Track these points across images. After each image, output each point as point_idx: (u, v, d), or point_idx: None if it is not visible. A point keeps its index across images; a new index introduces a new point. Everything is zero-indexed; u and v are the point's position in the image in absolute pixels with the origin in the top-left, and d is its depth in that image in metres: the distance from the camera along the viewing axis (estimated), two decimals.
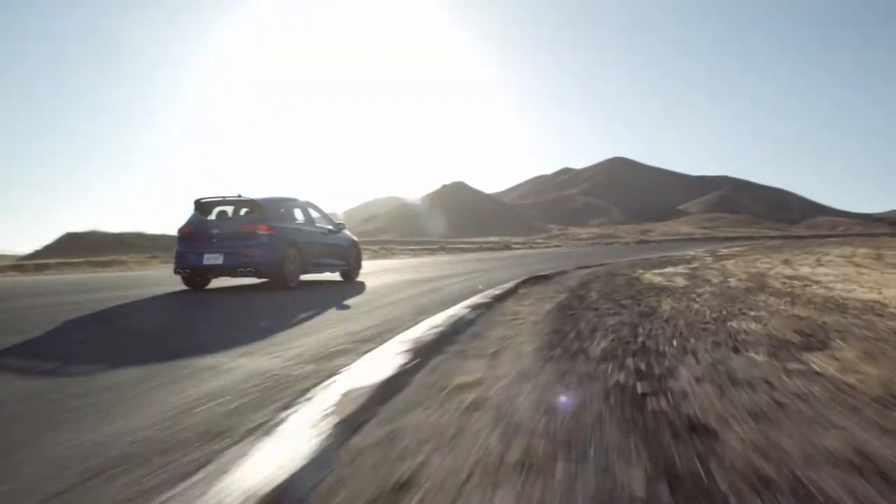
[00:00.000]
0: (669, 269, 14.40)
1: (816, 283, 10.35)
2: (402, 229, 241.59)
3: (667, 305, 6.43)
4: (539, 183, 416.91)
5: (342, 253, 13.03)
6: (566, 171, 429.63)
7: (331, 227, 12.93)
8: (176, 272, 10.84)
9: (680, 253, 27.76)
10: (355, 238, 13.87)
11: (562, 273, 13.03)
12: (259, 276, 10.69)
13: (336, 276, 13.29)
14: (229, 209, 11.35)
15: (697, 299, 7.05)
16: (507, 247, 61.58)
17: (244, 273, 10.49)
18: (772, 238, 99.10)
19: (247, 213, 11.20)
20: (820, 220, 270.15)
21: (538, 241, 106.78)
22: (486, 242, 77.42)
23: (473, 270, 16.27)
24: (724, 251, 29.97)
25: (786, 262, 19.38)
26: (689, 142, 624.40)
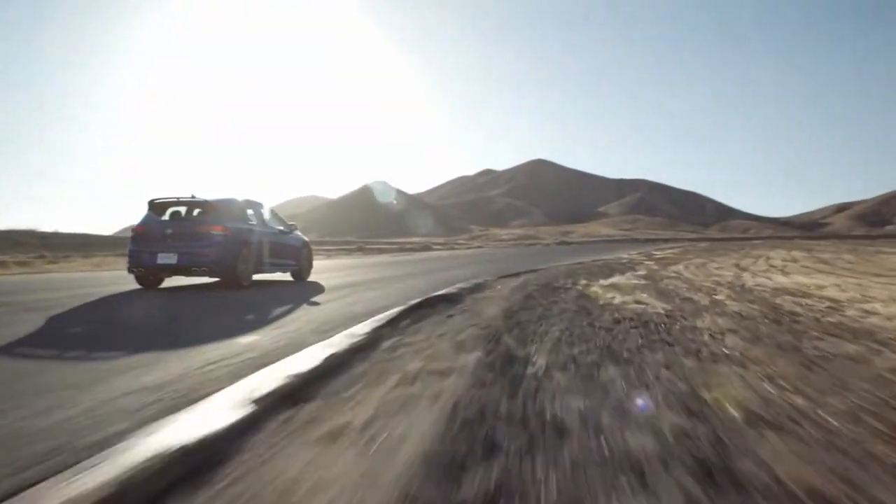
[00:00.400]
0: (619, 279, 11.16)
1: (833, 301, 7.38)
2: (321, 229, 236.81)
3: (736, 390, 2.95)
4: (461, 184, 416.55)
5: (294, 253, 13.32)
6: (488, 172, 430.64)
7: (283, 227, 13.24)
8: (129, 271, 11.01)
9: (613, 256, 24.68)
10: (307, 239, 14.19)
11: (479, 289, 9.28)
12: (212, 276, 10.91)
13: (287, 276, 13.55)
14: (183, 210, 11.54)
15: (734, 355, 3.77)
16: (426, 248, 58.78)
17: (198, 272, 10.72)
18: (694, 240, 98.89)
19: (200, 213, 11.39)
20: (732, 222, 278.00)
21: (459, 241, 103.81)
22: (407, 243, 75.64)
23: (381, 279, 13.26)
24: (658, 254, 27.06)
25: (739, 267, 16.61)
26: (609, 145, 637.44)
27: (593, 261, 19.80)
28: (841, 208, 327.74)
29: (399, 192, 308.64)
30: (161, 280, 11.46)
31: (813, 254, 27.63)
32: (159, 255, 10.55)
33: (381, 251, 45.18)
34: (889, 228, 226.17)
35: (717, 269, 15.79)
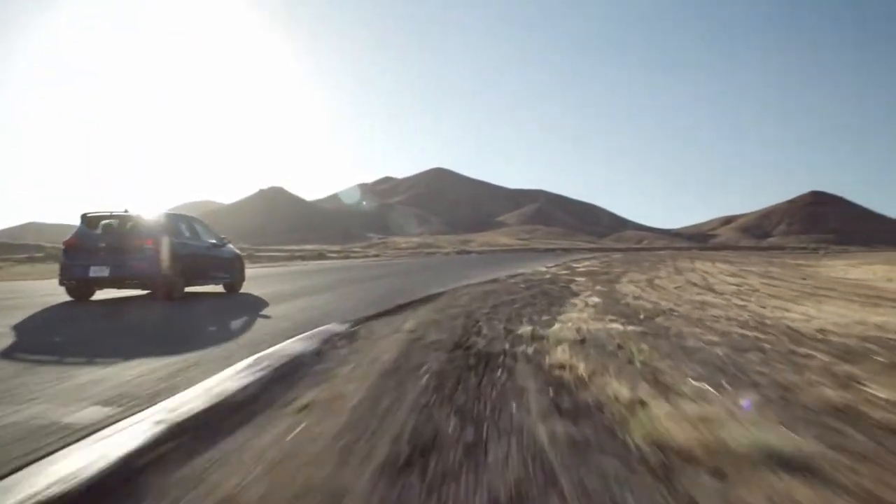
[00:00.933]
0: (580, 319, 7.00)
1: None
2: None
3: None
4: (361, 191, 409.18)
5: (226, 266, 13.57)
6: (387, 179, 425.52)
7: (215, 241, 13.50)
8: (61, 283, 11.17)
9: (528, 269, 20.67)
10: (239, 252, 14.68)
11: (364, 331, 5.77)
12: (144, 288, 11.36)
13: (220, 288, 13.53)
14: (116, 223, 11.57)
15: None
16: (321, 255, 54.16)
17: (130, 285, 11.19)
18: (600, 250, 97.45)
19: (133, 227, 11.53)
20: (627, 233, 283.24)
21: (356, 249, 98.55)
22: (301, 251, 69.95)
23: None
24: (579, 267, 23.33)
25: (706, 286, 12.89)
26: (509, 156, 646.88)
27: (510, 276, 15.69)
28: (726, 221, 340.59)
29: (297, 199, 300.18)
30: (93, 292, 11.60)
31: (746, 268, 24.62)
32: (91, 267, 10.80)
33: (271, 259, 41.17)
34: (771, 240, 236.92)
35: (677, 288, 11.93)
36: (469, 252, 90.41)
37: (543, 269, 21.57)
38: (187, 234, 12.43)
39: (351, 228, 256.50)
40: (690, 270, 21.50)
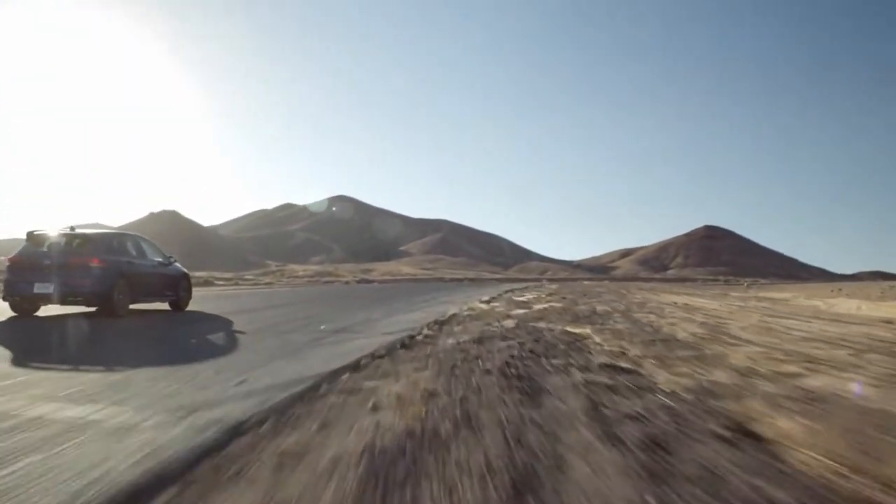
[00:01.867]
0: None
1: None
2: None
3: None
4: (259, 217, 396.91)
5: (172, 284, 13.85)
6: (288, 206, 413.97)
7: (161, 259, 13.73)
8: (4, 299, 11.64)
9: (457, 306, 14.89)
10: (186, 271, 14.77)
11: None
12: (88, 305, 11.48)
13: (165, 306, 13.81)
14: (61, 241, 11.67)
15: None
16: (207, 283, 47.37)
17: (74, 301, 11.37)
18: (520, 280, 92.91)
19: (78, 245, 11.66)
20: (531, 264, 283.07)
21: (247, 277, 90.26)
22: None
23: None
24: (538, 304, 17.52)
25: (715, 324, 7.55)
26: (412, 184, 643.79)
27: (438, 323, 9.98)
28: (625, 253, 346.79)
29: (193, 224, 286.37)
30: (37, 308, 11.81)
31: (725, 302, 19.93)
32: (36, 284, 11.08)
33: None
34: (670, 273, 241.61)
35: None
36: (371, 281, 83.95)
37: (482, 305, 15.88)
38: (133, 252, 12.74)
39: (248, 255, 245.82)
40: (673, 305, 16.48)
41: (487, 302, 17.22)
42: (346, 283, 71.52)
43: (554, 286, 36.52)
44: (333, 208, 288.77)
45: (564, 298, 19.75)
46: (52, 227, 12.06)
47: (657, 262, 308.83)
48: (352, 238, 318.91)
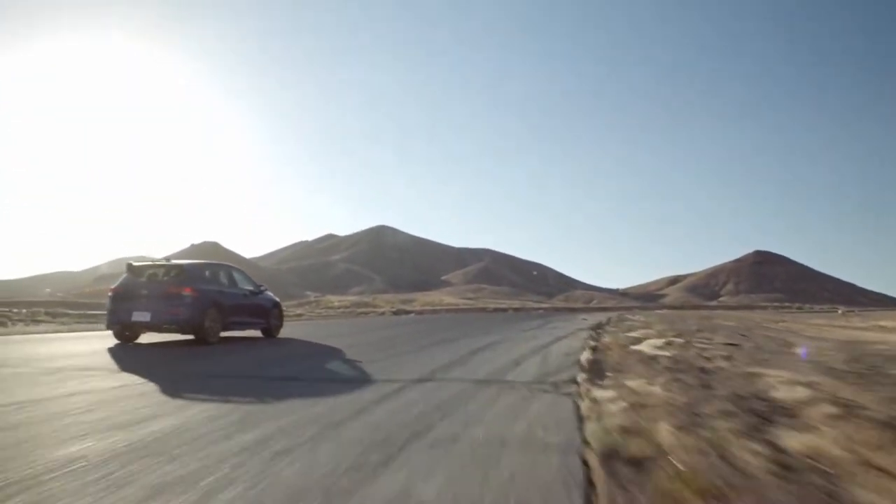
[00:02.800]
0: None
1: None
2: None
3: None
4: (301, 248, 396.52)
5: (263, 312, 14.62)
6: (329, 237, 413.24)
7: (251, 288, 14.51)
8: (108, 327, 12.48)
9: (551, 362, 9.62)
10: (277, 299, 15.60)
11: None
12: (182, 333, 12.22)
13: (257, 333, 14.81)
14: (158, 272, 12.56)
15: None
16: None
17: (168, 329, 12.06)
18: (586, 310, 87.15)
19: (174, 275, 12.42)
20: (576, 293, 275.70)
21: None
22: None
23: None
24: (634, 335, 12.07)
25: None
26: (454, 214, 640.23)
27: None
28: (673, 281, 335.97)
29: (235, 255, 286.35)
30: (137, 335, 12.78)
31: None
32: (134, 312, 11.85)
33: None
34: (722, 300, 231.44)
35: None
36: (409, 312, 78.60)
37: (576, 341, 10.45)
38: (224, 281, 13.61)
39: (289, 286, 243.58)
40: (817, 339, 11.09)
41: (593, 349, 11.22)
42: (381, 313, 66.47)
43: (639, 317, 30.44)
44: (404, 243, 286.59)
45: (679, 334, 14.11)
46: (150, 259, 13.06)
47: (707, 290, 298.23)
48: (393, 268, 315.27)
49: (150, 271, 12.69)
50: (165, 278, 12.45)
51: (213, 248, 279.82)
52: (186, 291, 12.03)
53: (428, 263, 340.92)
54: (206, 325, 12.11)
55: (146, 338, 13.15)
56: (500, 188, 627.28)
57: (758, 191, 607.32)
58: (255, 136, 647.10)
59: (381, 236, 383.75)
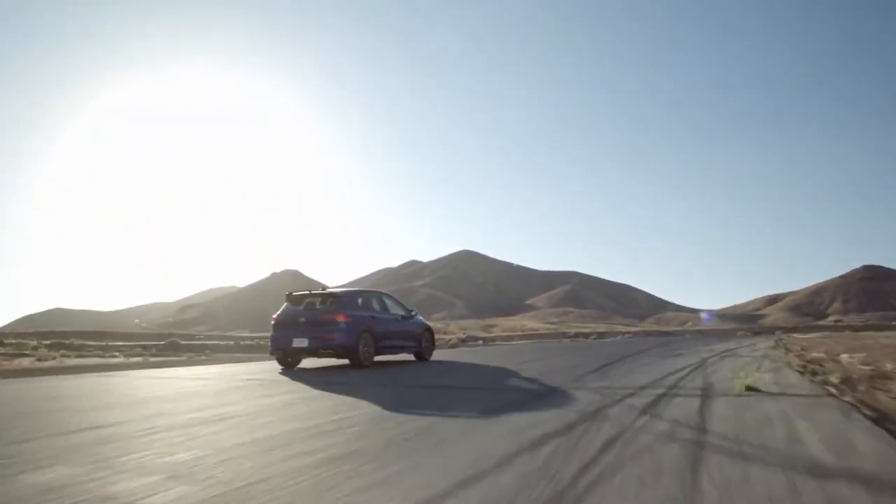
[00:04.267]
0: None
1: None
2: (223, 319, 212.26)
3: None
4: (385, 275, 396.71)
5: (415, 336, 15.28)
6: (413, 263, 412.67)
7: (403, 313, 15.17)
8: (271, 353, 13.62)
9: None
10: (429, 324, 16.39)
11: None
12: (338, 357, 12.98)
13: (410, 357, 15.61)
14: (315, 300, 13.46)
15: None
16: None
17: (325, 354, 12.89)
18: (702, 334, 78.91)
19: (329, 303, 13.25)
20: (668, 315, 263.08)
21: None
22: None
23: None
24: None
25: None
26: (539, 237, 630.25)
27: None
28: (772, 300, 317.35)
29: (315, 283, 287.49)
30: (298, 361, 13.66)
31: None
32: (294, 339, 12.73)
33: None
34: (832, 319, 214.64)
35: None
36: (490, 340, 71.27)
37: None
38: (377, 307, 14.18)
39: None
40: None
41: None
42: (450, 343, 59.41)
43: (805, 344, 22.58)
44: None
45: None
46: (308, 289, 14.24)
47: (811, 308, 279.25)
48: (476, 293, 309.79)
49: (308, 300, 13.49)
50: (321, 306, 13.20)
51: (294, 276, 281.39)
52: (341, 318, 12.67)
53: (513, 287, 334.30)
54: (360, 350, 12.73)
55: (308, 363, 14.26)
56: (588, 209, 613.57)
57: (863, 199, 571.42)
58: (338, 163, 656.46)
59: (465, 261, 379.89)
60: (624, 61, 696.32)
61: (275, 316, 13.40)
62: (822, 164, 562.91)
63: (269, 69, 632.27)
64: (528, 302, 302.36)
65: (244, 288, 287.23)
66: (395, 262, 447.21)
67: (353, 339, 12.62)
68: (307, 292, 13.89)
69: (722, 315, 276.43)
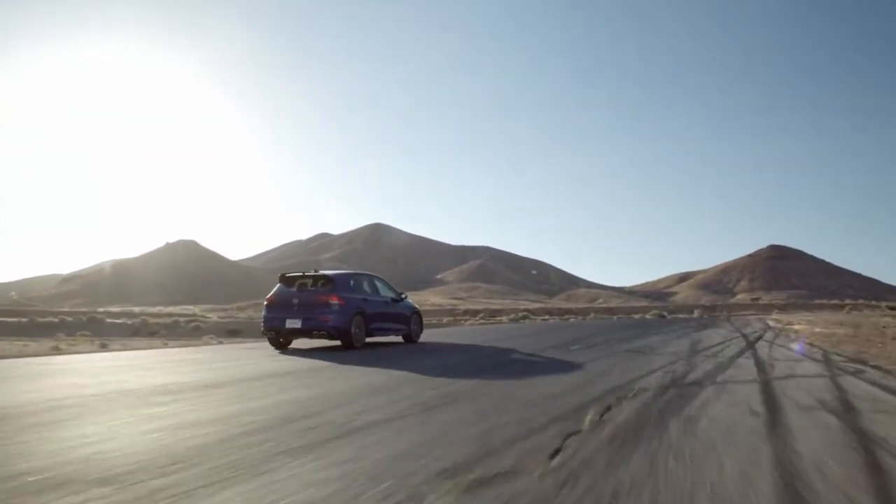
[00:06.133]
0: None
1: None
2: (104, 292, 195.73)
3: None
4: (293, 247, 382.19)
5: (404, 319, 15.63)
6: (323, 235, 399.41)
7: (393, 296, 15.48)
8: (263, 334, 13.85)
9: None
10: (417, 307, 16.66)
11: None
12: (330, 338, 13.21)
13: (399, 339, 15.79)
14: (308, 282, 13.69)
15: None
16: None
17: (318, 335, 13.22)
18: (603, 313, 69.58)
19: (322, 285, 13.52)
20: (579, 291, 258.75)
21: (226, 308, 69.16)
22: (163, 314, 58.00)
23: None
24: None
25: None
26: (453, 211, 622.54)
27: None
28: (682, 278, 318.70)
29: (212, 254, 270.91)
30: (290, 342, 13.93)
31: None
32: (287, 320, 13.01)
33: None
34: (739, 297, 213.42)
35: None
36: None
37: None
38: (368, 290, 14.50)
39: (266, 286, 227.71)
40: None
41: None
42: None
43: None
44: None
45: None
46: (301, 270, 14.32)
47: (720, 287, 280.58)
48: (386, 267, 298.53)
49: (301, 281, 13.73)
50: (314, 288, 13.45)
51: (190, 246, 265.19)
52: (334, 300, 12.90)
53: (425, 262, 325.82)
54: (352, 332, 12.96)
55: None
56: (502, 184, 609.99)
57: (771, 181, 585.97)
58: (244, 131, 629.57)
59: (376, 234, 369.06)
60: (525, 36, 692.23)
61: (268, 296, 13.65)
62: (730, 145, 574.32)
63: (164, 26, 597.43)
64: (439, 276, 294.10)
65: (135, 259, 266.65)
66: (305, 234, 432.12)
67: (346, 321, 12.81)
68: (300, 273, 13.93)
69: (632, 292, 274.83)
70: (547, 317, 62.88)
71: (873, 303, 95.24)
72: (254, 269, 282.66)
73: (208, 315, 65.50)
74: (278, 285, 13.76)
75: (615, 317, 57.93)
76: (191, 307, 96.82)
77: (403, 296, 15.89)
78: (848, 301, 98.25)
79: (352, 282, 14.11)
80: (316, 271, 14.02)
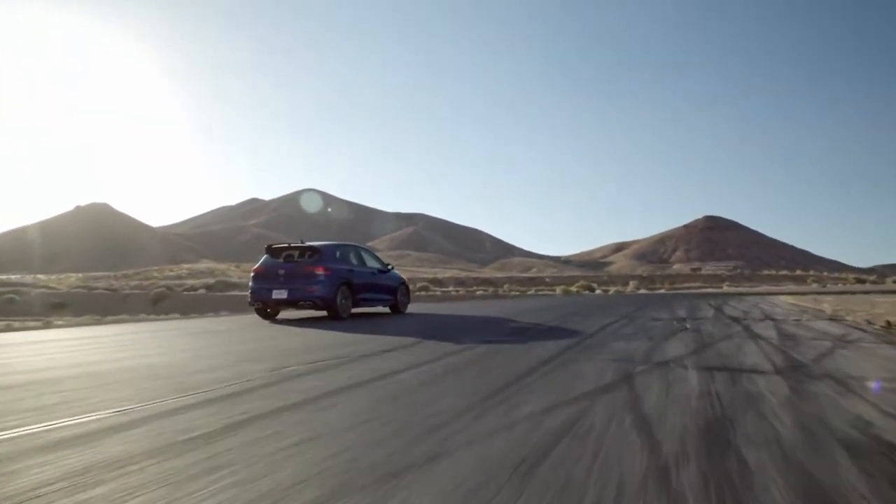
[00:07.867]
0: None
1: None
2: (29, 261, 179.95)
3: None
4: (222, 213, 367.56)
5: (390, 289, 15.30)
6: (254, 201, 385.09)
7: (380, 267, 15.26)
8: (250, 304, 13.38)
9: None
10: (404, 278, 16.33)
11: None
12: (317, 309, 12.96)
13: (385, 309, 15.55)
14: (295, 253, 13.48)
15: None
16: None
17: (304, 306, 12.88)
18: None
19: (308, 256, 13.27)
20: (514, 260, 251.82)
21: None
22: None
23: None
24: None
25: None
26: (390, 177, 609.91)
27: None
28: (618, 248, 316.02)
29: (126, 218, 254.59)
30: (277, 312, 13.59)
31: None
32: (274, 291, 12.71)
33: None
34: (677, 267, 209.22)
35: None
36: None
37: None
38: (354, 261, 14.20)
39: (183, 252, 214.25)
40: None
41: None
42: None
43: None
44: (329, 209, 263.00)
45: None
46: (287, 241, 14.50)
47: (655, 257, 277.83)
48: (315, 233, 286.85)
49: (287, 252, 13.51)
50: (301, 259, 13.22)
51: (102, 209, 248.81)
52: (320, 271, 12.71)
53: (357, 228, 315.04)
54: (338, 302, 12.74)
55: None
56: (440, 150, 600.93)
57: (708, 154, 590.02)
58: (171, 92, 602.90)
59: (308, 201, 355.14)
60: (474, 7, 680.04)
61: (255, 267, 13.37)
62: (668, 116, 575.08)
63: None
64: (371, 244, 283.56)
65: (37, 223, 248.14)
66: (234, 200, 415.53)
67: (331, 292, 12.68)
68: (287, 244, 13.76)
69: (568, 261, 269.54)
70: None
71: (837, 275, 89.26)
72: (169, 234, 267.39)
73: (54, 285, 54.25)
74: (265, 256, 13.54)
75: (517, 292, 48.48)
76: (42, 276, 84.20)
77: (390, 267, 15.81)
78: (799, 272, 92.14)
79: (338, 253, 13.77)
80: (303, 242, 13.68)
